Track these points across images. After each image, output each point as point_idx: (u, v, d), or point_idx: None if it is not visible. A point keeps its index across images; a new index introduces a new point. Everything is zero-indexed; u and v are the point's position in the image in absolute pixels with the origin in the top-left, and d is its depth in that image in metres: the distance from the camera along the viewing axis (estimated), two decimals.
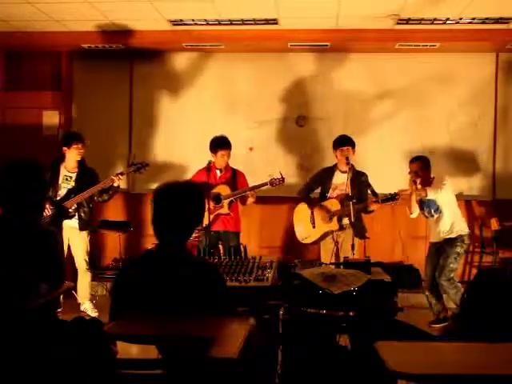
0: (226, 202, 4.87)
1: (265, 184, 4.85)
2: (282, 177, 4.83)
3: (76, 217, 4.99)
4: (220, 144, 4.92)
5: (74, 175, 5.01)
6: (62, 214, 4.88)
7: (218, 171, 4.97)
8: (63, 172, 5.03)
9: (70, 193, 4.94)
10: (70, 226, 4.99)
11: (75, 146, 4.96)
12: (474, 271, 6.12)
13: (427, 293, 5.03)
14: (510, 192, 6.04)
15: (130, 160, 5.21)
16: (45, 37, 5.92)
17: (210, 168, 4.78)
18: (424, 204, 4.93)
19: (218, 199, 4.87)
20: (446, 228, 4.89)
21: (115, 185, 4.93)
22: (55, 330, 1.86)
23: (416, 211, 4.93)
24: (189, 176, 5.52)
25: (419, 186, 4.80)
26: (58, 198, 4.94)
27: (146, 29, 5.78)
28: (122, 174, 4.98)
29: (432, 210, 4.90)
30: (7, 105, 6.38)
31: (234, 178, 5.05)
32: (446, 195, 4.85)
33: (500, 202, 6.07)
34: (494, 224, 5.87)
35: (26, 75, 6.40)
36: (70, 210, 4.94)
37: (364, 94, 6.16)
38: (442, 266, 4.89)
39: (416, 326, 2.75)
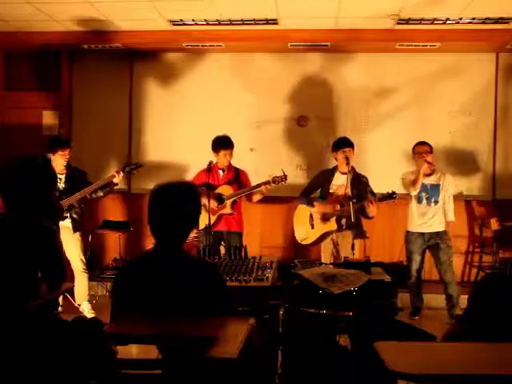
0: (228, 202, 4.86)
1: (267, 182, 4.83)
2: (285, 174, 4.78)
3: (68, 218, 4.96)
4: (222, 144, 4.90)
5: (63, 177, 4.97)
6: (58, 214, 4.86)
7: (220, 171, 4.95)
8: None
9: (61, 194, 4.90)
10: (63, 227, 4.86)
11: (60, 153, 4.92)
12: (474, 271, 6.11)
13: (413, 288, 5.16)
14: (510, 192, 6.04)
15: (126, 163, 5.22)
16: (45, 37, 5.91)
17: (210, 168, 4.77)
18: (427, 189, 5.01)
19: (220, 199, 4.86)
20: (441, 220, 5.02)
21: (115, 181, 4.93)
22: (55, 330, 1.86)
23: (418, 190, 4.98)
24: (189, 176, 5.51)
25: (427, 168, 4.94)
26: None
27: (146, 29, 5.78)
28: (118, 172, 4.97)
29: (432, 199, 5.00)
30: (7, 105, 6.37)
31: (237, 177, 5.03)
32: (453, 190, 5.09)
33: (500, 202, 6.07)
34: (494, 224, 5.87)
35: (26, 75, 6.40)
36: None
37: (364, 94, 6.16)
38: (447, 262, 4.98)
39: (416, 325, 2.75)
